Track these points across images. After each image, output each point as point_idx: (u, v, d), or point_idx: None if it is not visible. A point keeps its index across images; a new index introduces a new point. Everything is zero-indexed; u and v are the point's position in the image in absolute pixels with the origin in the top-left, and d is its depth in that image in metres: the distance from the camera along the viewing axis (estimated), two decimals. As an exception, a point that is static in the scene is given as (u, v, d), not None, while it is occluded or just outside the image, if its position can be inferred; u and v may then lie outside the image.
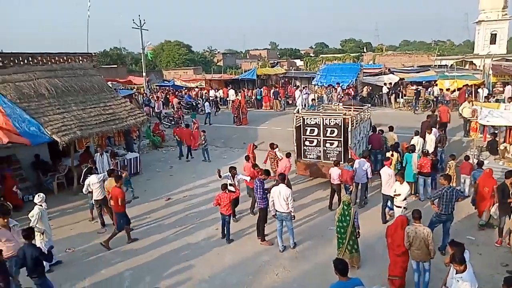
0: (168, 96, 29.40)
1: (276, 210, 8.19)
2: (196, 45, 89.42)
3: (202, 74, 43.46)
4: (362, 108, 13.86)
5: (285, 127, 19.86)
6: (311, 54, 77.82)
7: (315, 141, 11.80)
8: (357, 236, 7.37)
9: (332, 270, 5.10)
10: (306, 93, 25.33)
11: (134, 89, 30.53)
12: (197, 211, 10.77)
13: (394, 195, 8.52)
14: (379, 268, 7.36)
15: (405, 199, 8.41)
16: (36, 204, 7.84)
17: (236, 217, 10.07)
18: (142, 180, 13.60)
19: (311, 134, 11.81)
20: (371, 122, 14.58)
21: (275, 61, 57.26)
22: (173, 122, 21.65)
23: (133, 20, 30.55)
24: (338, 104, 16.08)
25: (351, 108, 14.01)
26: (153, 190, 12.59)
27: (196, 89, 33.27)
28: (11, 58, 12.96)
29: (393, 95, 25.27)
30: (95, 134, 12.49)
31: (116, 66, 42.36)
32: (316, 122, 11.70)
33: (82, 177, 10.54)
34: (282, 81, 34.85)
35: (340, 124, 11.34)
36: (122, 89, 27.09)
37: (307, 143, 11.97)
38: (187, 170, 14.66)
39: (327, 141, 11.64)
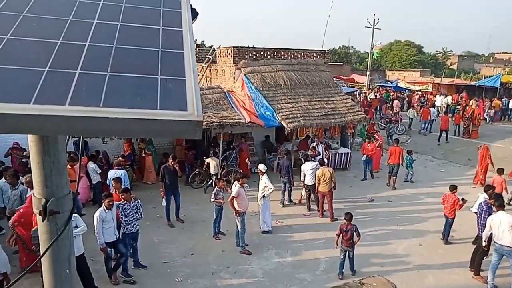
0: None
1: (495, 242, 6.90)
2: (428, 46, 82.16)
3: (430, 77, 39.85)
4: None
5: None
6: None
7: None
8: None
9: None
10: None
11: (356, 88, 31.09)
12: (400, 218, 10.28)
13: None
14: None
15: None
16: (261, 171, 9.60)
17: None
18: (350, 176, 13.90)
19: None
20: None
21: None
22: (389, 125, 20.93)
23: (367, 19, 31.00)
24: None
25: None
26: (359, 187, 12.72)
27: (419, 93, 30.90)
28: (261, 52, 15.56)
29: None
30: (315, 125, 13.58)
31: (342, 63, 44.13)
32: None
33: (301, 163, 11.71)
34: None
35: None
36: (343, 86, 28.11)
37: None
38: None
39: None
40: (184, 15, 1.31)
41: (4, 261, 6.08)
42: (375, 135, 16.04)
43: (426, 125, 20.99)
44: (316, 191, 10.43)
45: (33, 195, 1.43)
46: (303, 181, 10.86)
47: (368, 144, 13.83)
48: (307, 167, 10.71)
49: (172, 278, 7.45)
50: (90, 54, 1.02)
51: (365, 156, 13.48)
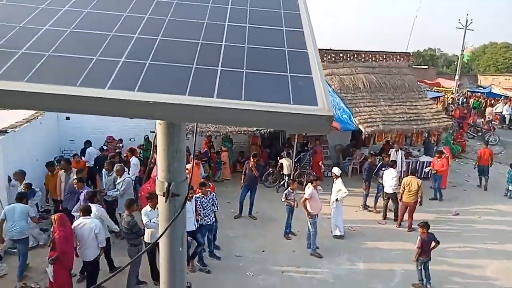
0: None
1: None
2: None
3: (531, 83, 35.38)
4: None
5: None
6: None
7: None
8: None
9: None
10: None
11: (443, 93, 28.81)
12: (489, 236, 9.43)
13: None
14: None
15: None
16: (335, 174, 9.45)
17: None
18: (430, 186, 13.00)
19: None
20: None
21: None
22: (479, 134, 19.14)
23: (459, 20, 28.58)
24: None
25: None
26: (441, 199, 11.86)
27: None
28: (341, 55, 15.24)
29: None
30: (395, 130, 12.95)
31: (426, 67, 41.27)
32: None
33: (376, 168, 11.23)
34: None
35: None
36: (428, 91, 26.27)
37: None
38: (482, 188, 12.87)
39: None
40: (304, 17, 1.38)
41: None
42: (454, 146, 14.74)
43: None
44: (399, 200, 9.93)
45: (157, 178, 1.60)
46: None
47: (438, 159, 11.90)
48: (390, 174, 10.20)
49: (244, 272, 7.69)
50: (227, 53, 1.14)
51: (429, 169, 12.37)
